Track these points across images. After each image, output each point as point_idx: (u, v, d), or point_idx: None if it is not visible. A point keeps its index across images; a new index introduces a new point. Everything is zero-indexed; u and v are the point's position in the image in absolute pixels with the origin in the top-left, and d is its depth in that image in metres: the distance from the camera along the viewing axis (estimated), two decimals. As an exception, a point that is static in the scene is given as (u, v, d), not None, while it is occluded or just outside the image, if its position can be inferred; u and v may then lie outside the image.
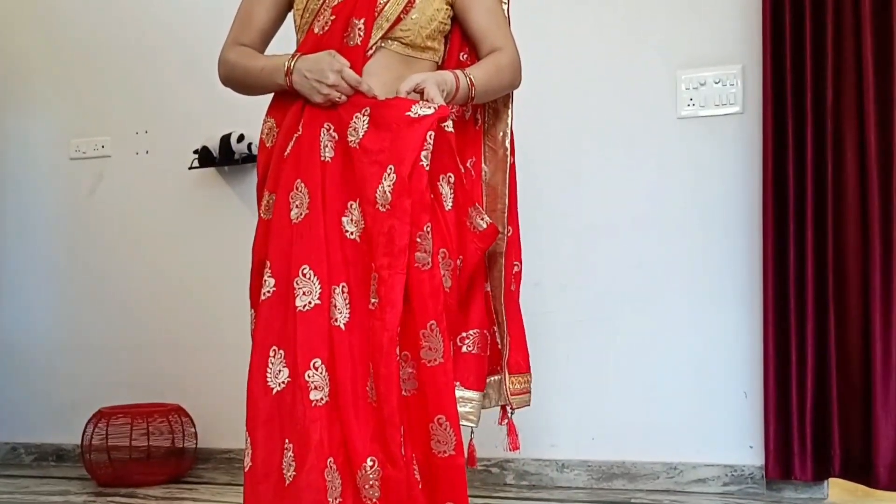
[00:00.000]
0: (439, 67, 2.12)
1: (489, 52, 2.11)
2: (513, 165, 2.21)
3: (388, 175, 1.90)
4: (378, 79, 2.00)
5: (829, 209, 2.93)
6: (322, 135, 1.99)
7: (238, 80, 2.15)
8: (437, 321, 1.87)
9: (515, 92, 2.21)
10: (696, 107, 3.20)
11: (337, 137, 1.98)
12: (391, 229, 1.88)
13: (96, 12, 4.02)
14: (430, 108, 1.91)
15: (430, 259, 1.89)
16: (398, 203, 1.88)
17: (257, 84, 2.09)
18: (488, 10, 2.11)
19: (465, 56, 2.15)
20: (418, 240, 1.88)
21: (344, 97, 1.97)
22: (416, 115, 1.91)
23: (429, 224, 1.89)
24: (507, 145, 2.19)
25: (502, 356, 2.18)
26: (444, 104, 1.93)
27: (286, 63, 2.01)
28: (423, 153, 1.89)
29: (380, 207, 1.90)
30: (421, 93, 1.94)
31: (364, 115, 1.95)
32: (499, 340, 2.18)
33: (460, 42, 2.15)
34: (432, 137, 1.89)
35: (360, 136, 1.94)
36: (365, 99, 1.97)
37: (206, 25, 3.75)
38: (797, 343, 2.97)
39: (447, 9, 2.08)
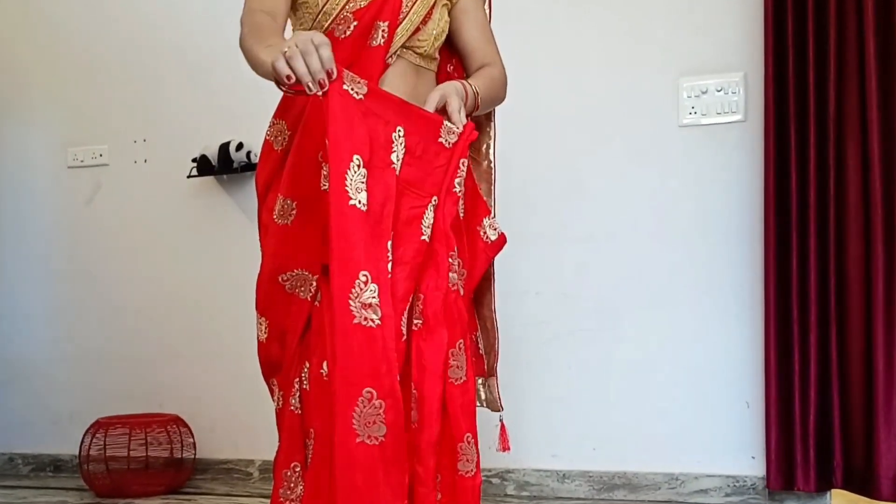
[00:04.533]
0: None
1: (480, 66, 2.15)
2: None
3: (431, 206, 1.91)
4: (396, 90, 1.99)
5: (831, 218, 2.92)
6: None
7: (246, 55, 1.90)
8: (464, 340, 1.90)
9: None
10: (697, 115, 3.19)
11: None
12: (435, 254, 1.89)
13: (93, 20, 4.00)
14: (456, 133, 1.92)
15: (459, 281, 1.92)
16: (439, 228, 1.89)
17: (259, 70, 1.85)
18: (480, 25, 2.16)
19: (452, 68, 2.19)
20: (450, 260, 1.90)
21: (316, 83, 1.69)
22: (449, 145, 1.92)
23: (456, 247, 1.93)
24: (492, 157, 2.22)
25: (485, 361, 2.21)
26: (467, 122, 1.94)
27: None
28: (457, 180, 1.92)
29: (424, 238, 1.89)
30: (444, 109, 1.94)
31: (400, 138, 1.87)
32: (481, 346, 2.20)
33: (448, 54, 2.18)
34: (465, 164, 1.93)
35: (400, 166, 1.87)
36: (392, 110, 1.86)
37: (205, 33, 3.77)
38: (799, 353, 2.95)
39: (447, 20, 2.12)
